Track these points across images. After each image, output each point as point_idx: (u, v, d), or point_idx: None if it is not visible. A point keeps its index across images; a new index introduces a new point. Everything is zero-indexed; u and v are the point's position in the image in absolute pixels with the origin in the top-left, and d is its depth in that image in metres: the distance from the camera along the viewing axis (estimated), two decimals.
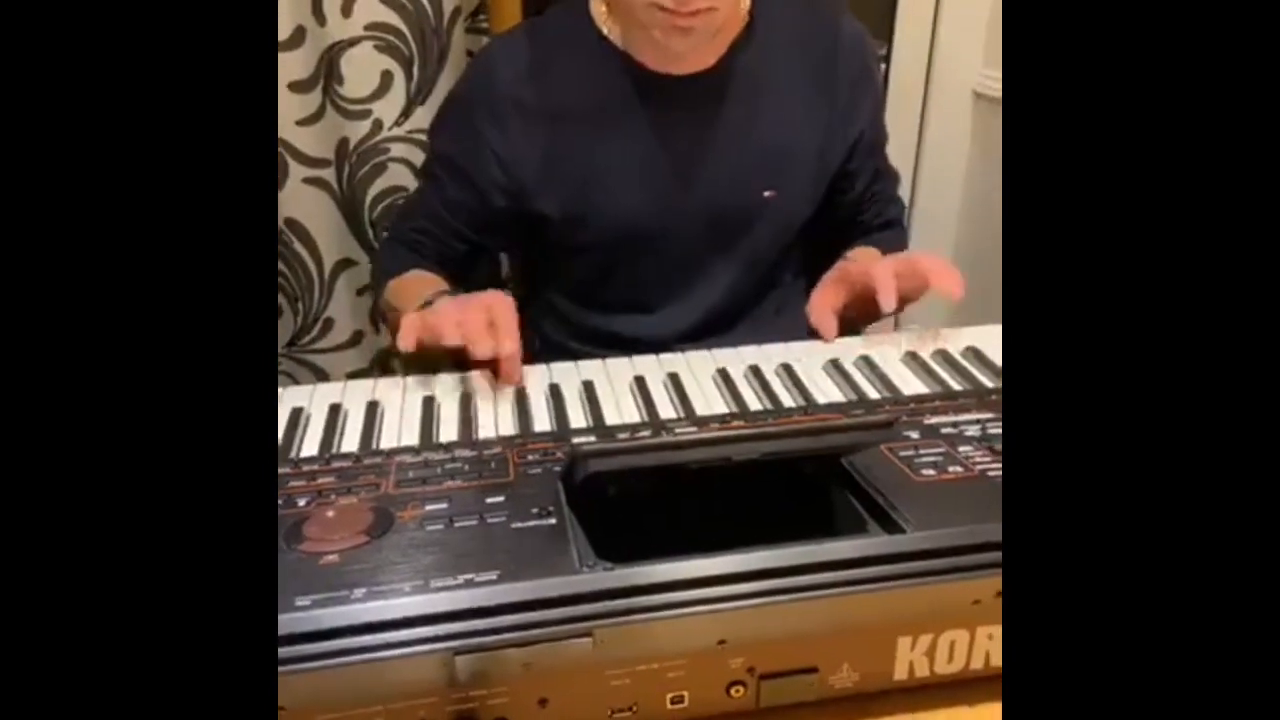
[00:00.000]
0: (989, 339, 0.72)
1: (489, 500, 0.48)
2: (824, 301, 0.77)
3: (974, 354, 0.70)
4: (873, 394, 0.65)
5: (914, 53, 1.40)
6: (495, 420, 0.62)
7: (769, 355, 0.71)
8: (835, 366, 0.69)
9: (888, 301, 0.71)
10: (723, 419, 0.60)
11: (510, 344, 0.65)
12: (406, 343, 0.68)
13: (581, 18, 0.83)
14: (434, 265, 0.89)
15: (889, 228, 0.96)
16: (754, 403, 0.64)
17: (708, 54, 0.81)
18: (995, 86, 1.38)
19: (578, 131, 0.82)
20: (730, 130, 0.83)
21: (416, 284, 0.84)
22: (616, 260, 0.87)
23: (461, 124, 0.85)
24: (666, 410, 0.63)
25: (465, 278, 0.89)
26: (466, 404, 0.64)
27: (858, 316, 0.79)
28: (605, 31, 0.82)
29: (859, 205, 0.94)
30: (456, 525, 0.46)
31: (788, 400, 0.64)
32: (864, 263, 0.76)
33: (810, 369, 0.69)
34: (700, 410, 0.63)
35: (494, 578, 0.41)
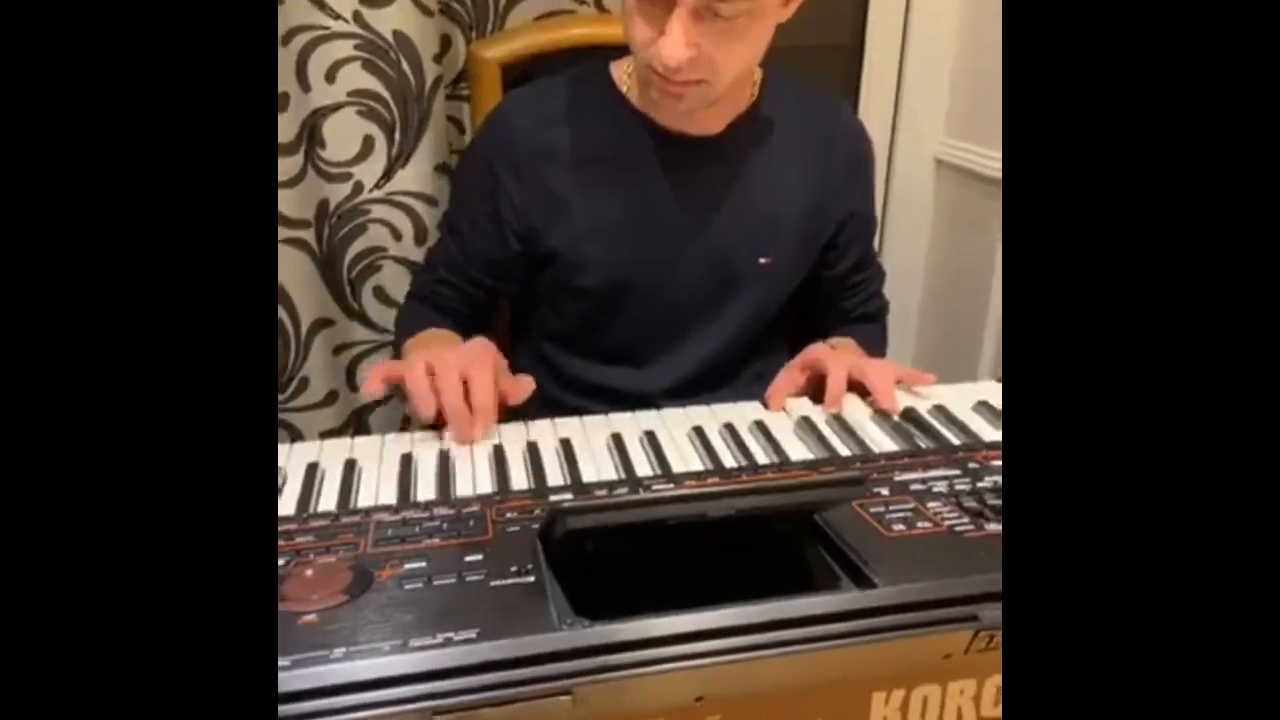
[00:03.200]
0: (955, 398, 0.75)
1: (467, 558, 0.48)
2: (781, 387, 0.78)
3: (941, 412, 0.72)
4: (844, 451, 0.66)
5: (878, 120, 1.46)
6: (473, 478, 0.62)
7: (743, 413, 0.73)
8: (807, 424, 0.71)
9: (832, 405, 0.73)
10: (698, 476, 0.61)
11: (482, 429, 0.67)
12: (371, 387, 0.70)
13: (599, 77, 0.88)
14: (454, 320, 0.90)
15: (867, 321, 1.00)
16: (729, 460, 0.65)
17: (712, 120, 0.85)
18: (956, 154, 1.44)
19: (586, 177, 0.85)
20: (731, 195, 0.87)
21: (431, 340, 0.86)
22: (609, 309, 0.89)
23: (480, 173, 0.88)
24: (643, 467, 0.64)
25: (490, 330, 0.90)
26: (444, 462, 0.64)
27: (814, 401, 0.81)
28: (624, 90, 0.86)
29: (840, 287, 0.97)
30: (435, 584, 0.46)
31: (762, 457, 0.65)
32: (822, 355, 0.78)
33: (783, 427, 0.70)
34: (676, 467, 0.64)
35: (473, 636, 0.41)
